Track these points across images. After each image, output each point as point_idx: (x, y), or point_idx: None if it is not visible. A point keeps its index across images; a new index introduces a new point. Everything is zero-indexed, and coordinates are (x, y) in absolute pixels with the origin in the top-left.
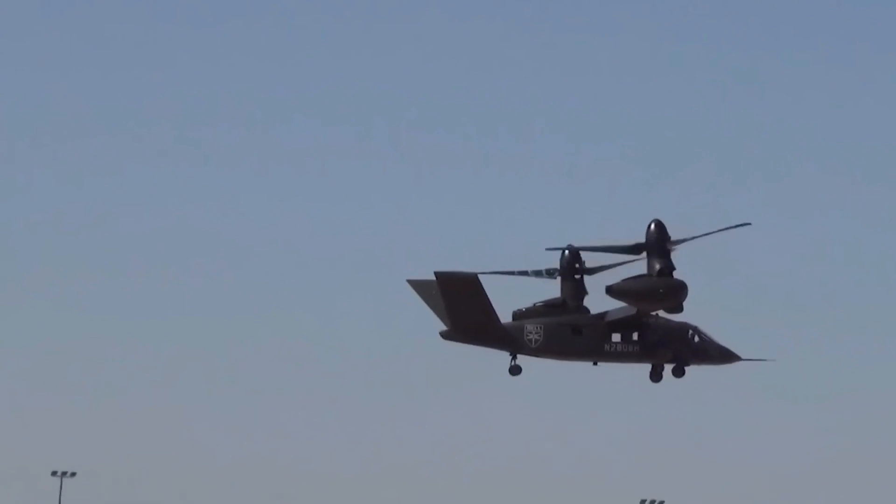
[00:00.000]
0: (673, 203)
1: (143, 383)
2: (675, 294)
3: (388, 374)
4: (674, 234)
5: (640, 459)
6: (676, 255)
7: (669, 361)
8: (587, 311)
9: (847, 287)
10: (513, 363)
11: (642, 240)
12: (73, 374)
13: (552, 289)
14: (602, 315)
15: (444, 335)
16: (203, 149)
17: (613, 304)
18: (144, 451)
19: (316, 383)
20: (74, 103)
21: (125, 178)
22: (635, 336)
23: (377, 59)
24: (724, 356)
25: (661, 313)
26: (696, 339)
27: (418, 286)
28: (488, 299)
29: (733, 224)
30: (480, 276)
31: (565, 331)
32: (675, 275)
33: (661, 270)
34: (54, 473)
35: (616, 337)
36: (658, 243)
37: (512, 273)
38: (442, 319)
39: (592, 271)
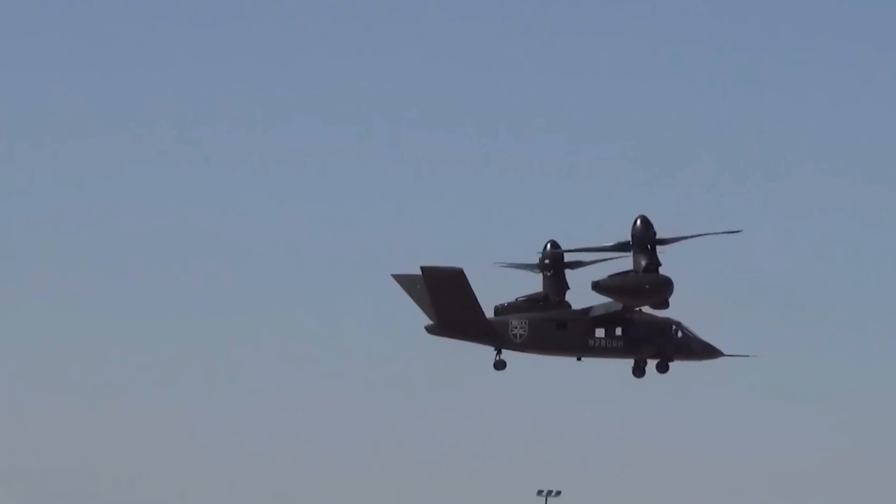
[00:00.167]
0: (672, 203)
1: (143, 383)
2: (660, 290)
3: (378, 371)
4: (669, 233)
5: (628, 456)
6: (663, 253)
7: (653, 357)
8: (569, 305)
9: (839, 286)
10: (498, 358)
11: (628, 236)
12: (73, 374)
13: (534, 283)
14: (586, 310)
15: (430, 330)
16: (203, 149)
17: (596, 300)
18: (145, 452)
19: (311, 381)
20: (74, 103)
21: (125, 178)
22: (619, 331)
23: (377, 59)
24: (707, 352)
25: (646, 309)
26: (680, 334)
27: (403, 281)
28: (474, 294)
29: (725, 230)
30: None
31: (550, 326)
32: (661, 271)
33: (646, 266)
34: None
35: (600, 332)
36: (644, 239)
37: (505, 265)
38: (427, 314)
39: (574, 266)
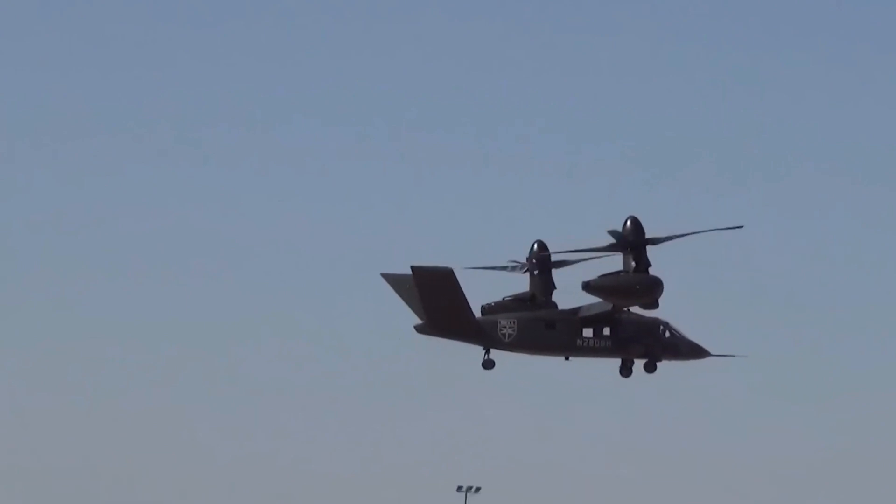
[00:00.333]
0: (667, 203)
1: (139, 383)
2: (651, 290)
3: (367, 370)
4: (661, 232)
5: (615, 455)
6: (654, 253)
7: (641, 356)
8: (555, 305)
9: (832, 286)
10: (486, 357)
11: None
12: (73, 374)
13: (521, 283)
14: (575, 310)
15: (419, 329)
16: (201, 149)
17: (584, 299)
18: (143, 451)
19: (301, 380)
20: (74, 103)
21: (125, 178)
22: (607, 331)
23: (376, 59)
24: (695, 352)
25: (634, 309)
26: (667, 334)
27: (393, 280)
28: (463, 294)
29: (722, 227)
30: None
31: (538, 326)
32: (651, 271)
33: (636, 267)
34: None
35: (588, 332)
36: (634, 240)
37: (485, 268)
38: (416, 313)
39: (560, 265)
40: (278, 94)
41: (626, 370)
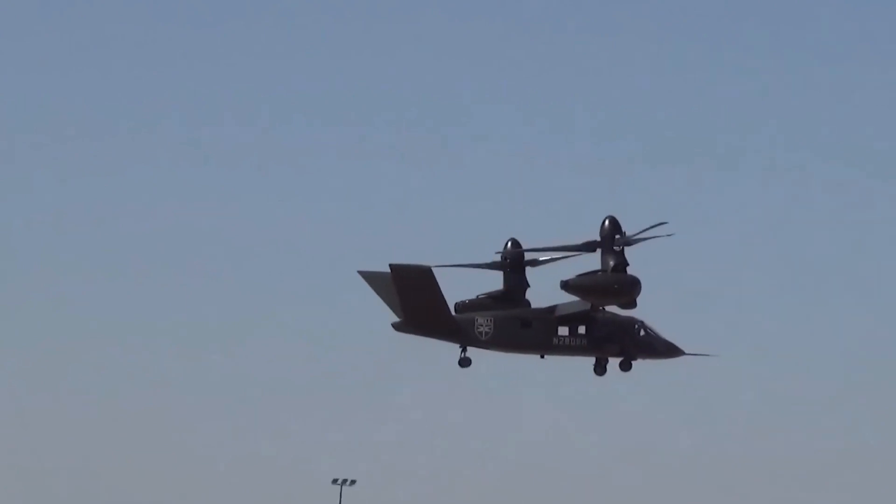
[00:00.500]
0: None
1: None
2: (629, 290)
3: (344, 367)
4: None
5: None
6: (629, 252)
7: (616, 355)
8: (529, 303)
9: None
10: (463, 355)
11: (596, 237)
12: (73, 374)
13: (495, 281)
14: (552, 309)
15: (396, 327)
16: (203, 149)
17: (560, 297)
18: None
19: (277, 377)
20: (74, 103)
21: (125, 178)
22: (583, 330)
23: (361, 57)
24: (669, 350)
25: (611, 308)
26: (642, 333)
27: (370, 277)
28: (441, 292)
29: (653, 224)
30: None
31: (515, 324)
32: (629, 271)
33: (614, 266)
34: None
35: (564, 330)
36: (612, 240)
37: (460, 266)
38: (394, 311)
39: (535, 264)
40: (259, 93)
41: (600, 368)
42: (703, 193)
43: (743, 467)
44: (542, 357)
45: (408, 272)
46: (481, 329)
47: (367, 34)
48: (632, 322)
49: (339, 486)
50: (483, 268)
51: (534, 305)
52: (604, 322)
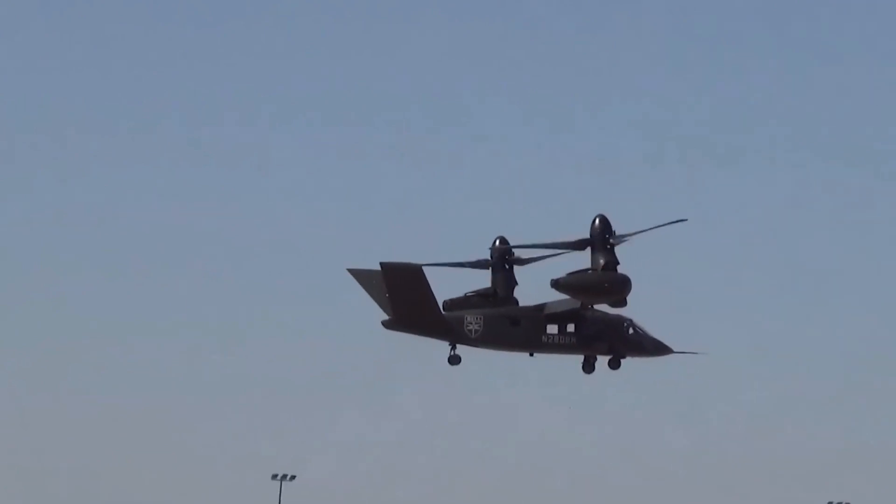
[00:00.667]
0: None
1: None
2: (620, 288)
3: (335, 364)
4: (620, 230)
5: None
6: (620, 250)
7: (605, 353)
8: (517, 301)
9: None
10: (452, 353)
11: (586, 235)
12: (72, 374)
13: (483, 279)
14: (541, 307)
15: (386, 324)
16: (194, 149)
17: (548, 295)
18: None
19: (268, 374)
20: (74, 103)
21: (123, 177)
22: (571, 328)
23: (347, 57)
24: (658, 349)
25: (599, 306)
26: (631, 331)
27: (359, 275)
28: (431, 290)
29: (670, 221)
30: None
31: (504, 322)
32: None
33: (605, 265)
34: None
35: (553, 329)
36: (602, 238)
37: (448, 264)
38: (383, 309)
39: (523, 262)
40: (245, 93)
41: (588, 366)
42: (700, 192)
43: (731, 464)
44: (532, 355)
45: (398, 271)
46: (471, 327)
47: (337, 34)
48: (620, 320)
49: (278, 482)
50: (471, 266)
51: (522, 303)
52: (593, 320)
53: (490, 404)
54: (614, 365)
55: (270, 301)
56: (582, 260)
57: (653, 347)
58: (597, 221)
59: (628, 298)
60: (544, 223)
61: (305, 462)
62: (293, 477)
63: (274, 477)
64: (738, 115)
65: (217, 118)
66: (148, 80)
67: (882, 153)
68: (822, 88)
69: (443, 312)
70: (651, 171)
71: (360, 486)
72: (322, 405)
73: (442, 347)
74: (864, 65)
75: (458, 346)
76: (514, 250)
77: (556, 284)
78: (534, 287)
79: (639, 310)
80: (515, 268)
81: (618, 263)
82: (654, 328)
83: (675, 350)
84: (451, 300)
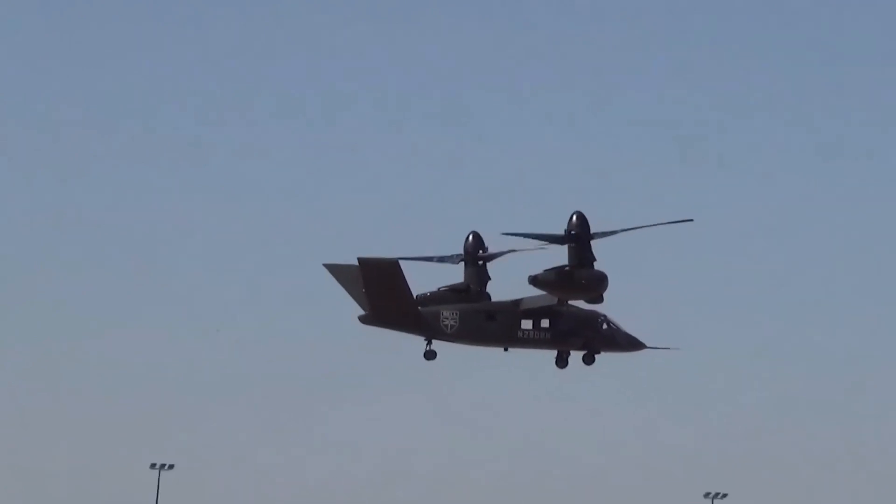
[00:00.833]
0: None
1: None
2: (596, 285)
3: (312, 360)
4: (600, 227)
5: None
6: (597, 247)
7: (579, 349)
8: (489, 296)
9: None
10: (428, 348)
11: (564, 230)
12: (73, 373)
13: (456, 274)
14: (517, 302)
15: (363, 320)
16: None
17: (521, 291)
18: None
19: (241, 370)
20: (73, 102)
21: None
22: (546, 323)
23: (323, 51)
24: (632, 344)
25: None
26: (606, 327)
27: (335, 270)
28: (408, 285)
29: (670, 220)
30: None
31: (480, 317)
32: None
33: (583, 262)
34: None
35: (527, 324)
36: (580, 235)
37: (420, 259)
38: (360, 304)
39: (494, 257)
40: (219, 87)
41: (561, 361)
42: (699, 191)
43: (704, 459)
44: (506, 350)
45: (375, 266)
46: (447, 322)
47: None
48: (595, 316)
49: (157, 471)
50: (442, 261)
51: (495, 299)
52: (568, 316)
53: (468, 399)
54: (588, 360)
55: (246, 297)
56: (559, 256)
57: (626, 343)
58: (574, 218)
59: (604, 295)
60: (527, 220)
61: (291, 459)
62: (171, 466)
63: (152, 466)
64: (736, 113)
65: (190, 113)
66: (144, 80)
67: (881, 153)
68: (821, 88)
69: (419, 307)
70: (650, 171)
71: (353, 483)
72: (301, 401)
73: (418, 342)
74: (863, 65)
75: (433, 341)
76: (487, 246)
77: (534, 280)
78: (507, 283)
79: (615, 306)
80: (488, 263)
81: (595, 260)
82: (629, 323)
83: (648, 346)
84: (424, 295)
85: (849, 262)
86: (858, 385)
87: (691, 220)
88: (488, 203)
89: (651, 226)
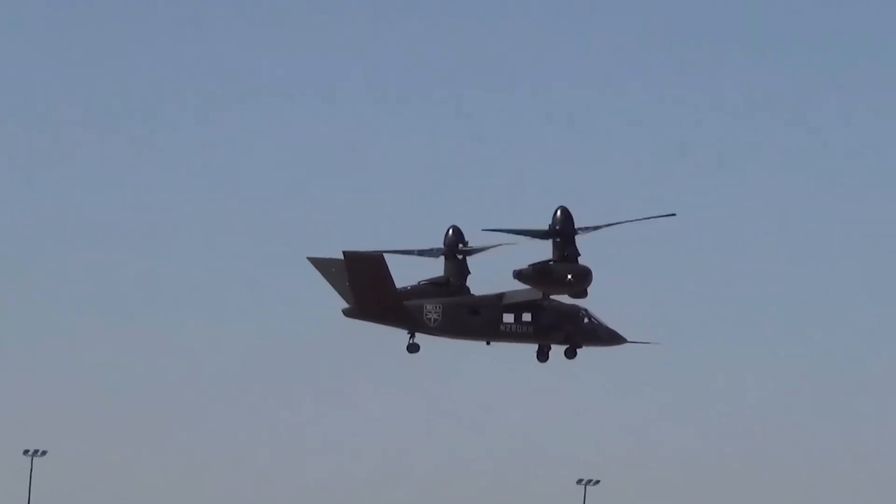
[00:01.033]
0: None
1: None
2: (581, 280)
3: (296, 353)
4: (583, 221)
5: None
6: (581, 242)
7: (561, 342)
8: (469, 290)
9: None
10: (411, 341)
11: (549, 225)
12: (72, 373)
13: (436, 268)
14: (500, 296)
15: (347, 313)
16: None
17: (501, 285)
18: None
19: (225, 364)
20: (73, 102)
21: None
22: (528, 317)
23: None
24: (613, 338)
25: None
26: (587, 321)
27: (319, 264)
28: (392, 279)
29: (653, 216)
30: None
31: (463, 311)
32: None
33: (567, 256)
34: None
35: (509, 318)
36: (565, 230)
37: (401, 252)
38: (344, 297)
39: (474, 251)
40: (206, 78)
41: (542, 355)
42: (697, 190)
43: (688, 455)
44: (488, 344)
45: (360, 259)
46: (430, 316)
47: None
48: (577, 310)
49: (30, 457)
50: (425, 255)
51: (475, 293)
52: (550, 310)
53: (451, 393)
54: (570, 354)
55: (230, 290)
56: (542, 251)
57: (607, 337)
58: (559, 213)
59: (588, 289)
60: (517, 216)
61: (276, 453)
62: (44, 452)
63: (25, 452)
64: (732, 112)
65: (177, 106)
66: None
67: (882, 152)
68: (821, 88)
69: (403, 301)
70: (650, 171)
71: (335, 475)
72: (283, 394)
73: (401, 335)
74: (863, 65)
75: (416, 334)
76: (467, 240)
77: (519, 275)
78: (488, 277)
79: (598, 301)
80: (471, 257)
81: (579, 255)
82: (611, 318)
83: (629, 340)
84: (405, 288)
85: (848, 263)
86: (858, 385)
87: (674, 214)
88: (477, 199)
89: (633, 221)
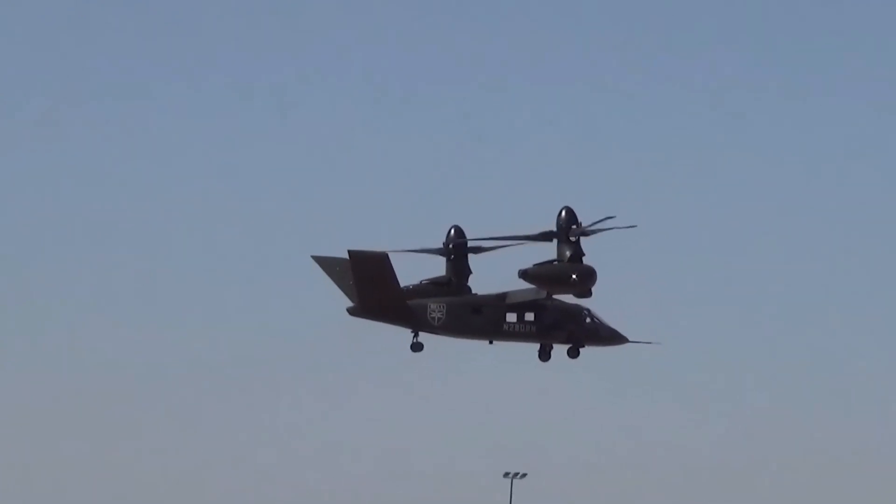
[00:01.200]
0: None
1: None
2: (585, 280)
3: (301, 351)
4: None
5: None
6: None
7: (563, 342)
8: (470, 290)
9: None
10: (415, 340)
11: (552, 227)
12: (72, 373)
13: (438, 267)
14: (503, 296)
15: (351, 311)
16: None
17: (504, 285)
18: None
19: (228, 362)
20: (77, 102)
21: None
22: (531, 317)
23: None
24: (614, 338)
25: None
26: (589, 320)
27: (323, 263)
28: (396, 277)
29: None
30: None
31: (466, 310)
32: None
33: (571, 257)
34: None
35: (512, 317)
36: (569, 230)
37: (404, 251)
38: (348, 296)
39: (477, 251)
40: (209, 75)
41: (544, 354)
42: (695, 189)
43: (688, 455)
44: (491, 343)
45: (365, 258)
46: (433, 315)
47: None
48: (579, 310)
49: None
50: (428, 253)
51: (476, 292)
52: (552, 309)
53: (456, 391)
54: (573, 354)
55: (235, 288)
56: (544, 251)
57: (609, 336)
58: (563, 213)
59: (593, 289)
60: (516, 214)
61: (278, 450)
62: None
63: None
64: (728, 111)
65: (179, 104)
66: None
67: (882, 151)
68: (821, 87)
69: (407, 300)
70: (650, 170)
71: (336, 472)
72: (287, 391)
73: (405, 334)
74: (863, 64)
75: (420, 333)
76: (469, 240)
77: (524, 275)
78: (490, 276)
79: (603, 301)
80: (471, 256)
81: (583, 255)
82: (614, 318)
83: (630, 339)
84: (407, 288)
85: (848, 262)
86: (858, 384)
87: (635, 226)
88: (481, 199)
89: (601, 230)
